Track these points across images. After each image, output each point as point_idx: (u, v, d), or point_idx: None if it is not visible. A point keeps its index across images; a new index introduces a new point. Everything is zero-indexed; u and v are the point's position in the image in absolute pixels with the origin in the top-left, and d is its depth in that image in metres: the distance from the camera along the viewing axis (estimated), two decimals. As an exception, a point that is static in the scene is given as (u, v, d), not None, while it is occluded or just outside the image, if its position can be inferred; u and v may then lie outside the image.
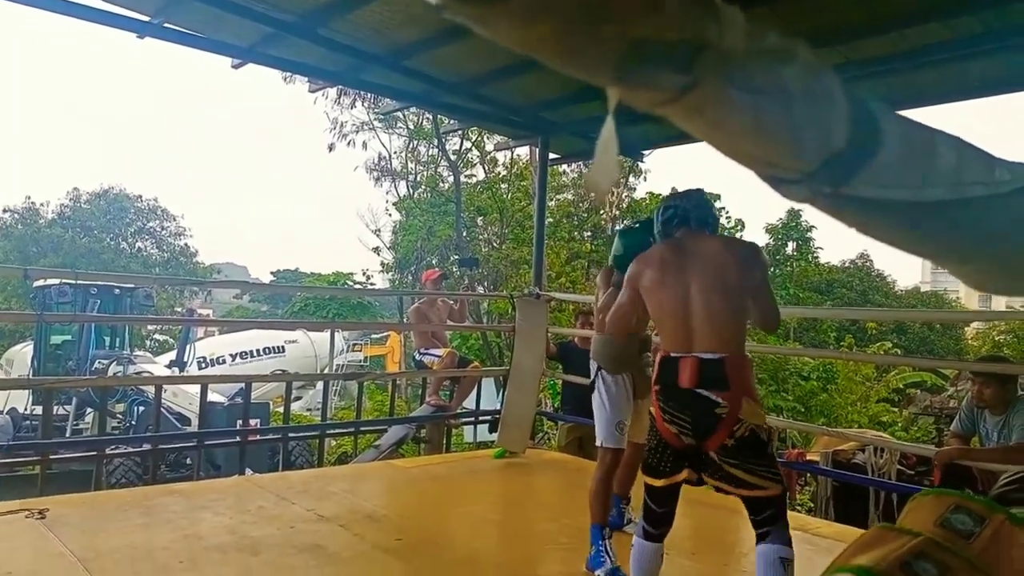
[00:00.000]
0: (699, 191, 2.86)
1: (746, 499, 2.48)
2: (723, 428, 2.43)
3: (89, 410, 10.43)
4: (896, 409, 15.99)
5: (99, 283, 11.69)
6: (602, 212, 18.20)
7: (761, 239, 20.25)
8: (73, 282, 9.92)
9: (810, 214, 20.97)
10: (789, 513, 4.58)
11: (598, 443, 3.48)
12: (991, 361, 5.17)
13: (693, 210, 2.76)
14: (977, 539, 0.63)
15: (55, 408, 8.55)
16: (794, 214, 20.78)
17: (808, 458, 5.75)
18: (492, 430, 6.34)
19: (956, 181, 0.75)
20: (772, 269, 18.19)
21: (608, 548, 3.30)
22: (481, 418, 6.71)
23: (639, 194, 19.02)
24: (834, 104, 0.69)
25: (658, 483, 2.61)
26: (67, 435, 9.41)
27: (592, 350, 3.63)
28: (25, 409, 10.74)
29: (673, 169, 57.14)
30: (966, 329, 22.80)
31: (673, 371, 2.52)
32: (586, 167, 17.66)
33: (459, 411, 6.70)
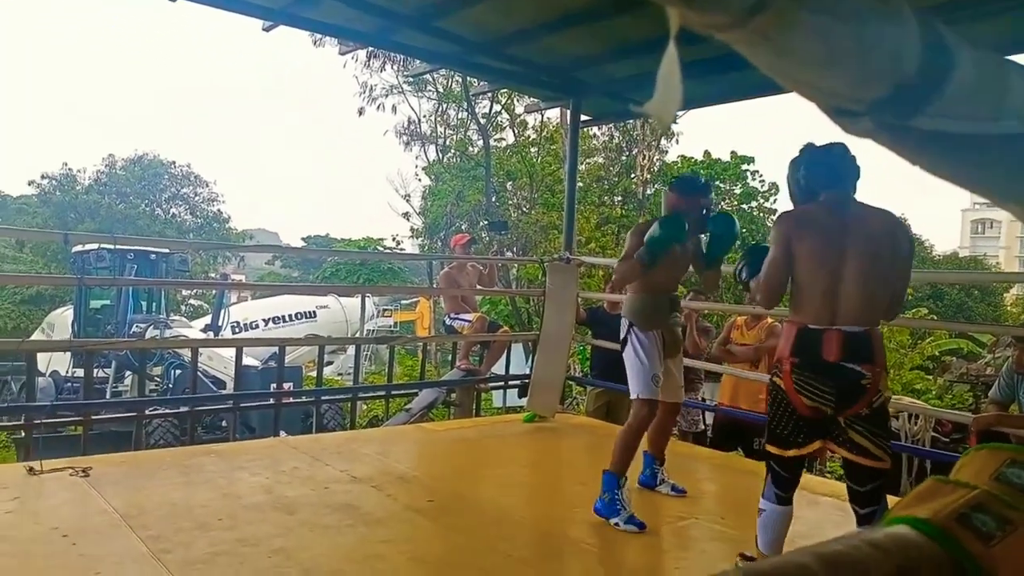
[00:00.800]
0: (845, 146, 2.60)
1: (858, 468, 2.48)
2: (864, 399, 2.46)
3: (128, 373, 10.72)
4: (930, 377, 15.72)
5: (135, 248, 11.91)
6: (632, 176, 17.98)
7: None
8: (111, 247, 10.14)
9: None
10: (821, 479, 4.55)
11: (633, 395, 3.44)
12: (1035, 326, 5.03)
13: (847, 170, 2.59)
14: None
15: (95, 371, 8.80)
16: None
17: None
18: (521, 395, 6.36)
19: (1029, 114, 0.70)
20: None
21: (623, 498, 3.31)
22: (511, 383, 6.73)
23: (671, 157, 18.76)
24: (906, 27, 0.64)
25: (788, 454, 2.59)
26: (107, 397, 9.66)
27: (624, 307, 3.61)
28: (66, 372, 11.05)
29: (706, 132, 56.13)
30: (1005, 296, 22.29)
31: (816, 344, 2.49)
32: (617, 128, 17.42)
33: (489, 376, 6.73)
